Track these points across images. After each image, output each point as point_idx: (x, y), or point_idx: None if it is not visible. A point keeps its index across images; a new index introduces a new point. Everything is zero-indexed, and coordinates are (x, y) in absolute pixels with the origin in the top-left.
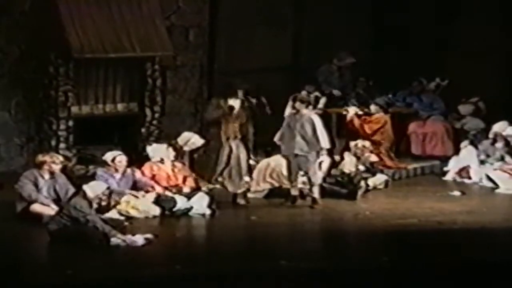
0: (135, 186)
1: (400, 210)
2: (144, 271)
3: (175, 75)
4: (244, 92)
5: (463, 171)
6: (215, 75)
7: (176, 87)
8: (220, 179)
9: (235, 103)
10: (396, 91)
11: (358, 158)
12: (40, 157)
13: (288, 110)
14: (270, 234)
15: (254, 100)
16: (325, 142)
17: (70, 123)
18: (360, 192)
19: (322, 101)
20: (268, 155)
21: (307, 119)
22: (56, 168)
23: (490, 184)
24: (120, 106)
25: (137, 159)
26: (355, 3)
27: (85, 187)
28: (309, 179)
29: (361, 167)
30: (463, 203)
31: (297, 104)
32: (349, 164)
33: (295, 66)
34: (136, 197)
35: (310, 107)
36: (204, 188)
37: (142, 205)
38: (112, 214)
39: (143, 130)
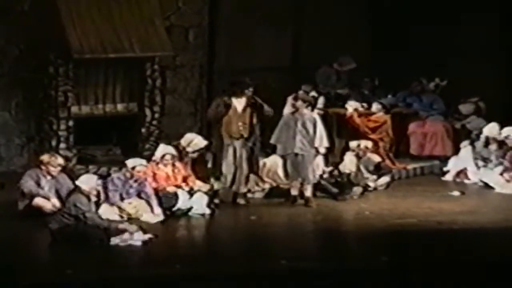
0: (140, 196)
1: (399, 210)
2: (144, 271)
3: (175, 75)
4: (252, 91)
5: (461, 174)
6: (215, 75)
7: (176, 87)
8: (222, 179)
9: (238, 102)
10: (396, 92)
11: (358, 158)
12: (41, 158)
13: (286, 110)
14: (270, 234)
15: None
16: (325, 142)
17: (70, 123)
18: (353, 194)
19: (321, 100)
20: (268, 156)
21: (309, 118)
22: (55, 171)
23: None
24: (120, 106)
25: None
26: (355, 3)
27: (78, 182)
28: (305, 178)
29: (364, 170)
30: (463, 203)
31: (299, 103)
32: (349, 164)
33: (295, 66)
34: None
35: (309, 107)
36: (205, 189)
37: (144, 208)
38: (113, 215)
39: (143, 130)
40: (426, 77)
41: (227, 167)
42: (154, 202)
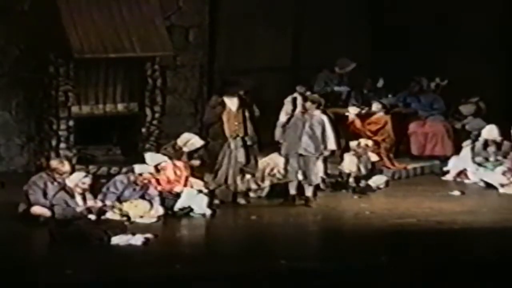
0: (143, 197)
1: (399, 210)
2: (144, 271)
3: (175, 75)
4: (245, 91)
5: (461, 174)
6: (215, 75)
7: (176, 87)
8: (218, 179)
9: (231, 101)
10: (397, 92)
11: (358, 158)
12: (50, 163)
13: (285, 110)
14: (270, 234)
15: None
16: (332, 144)
17: (71, 123)
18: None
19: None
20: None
21: (317, 120)
22: (60, 177)
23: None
24: (120, 106)
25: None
26: (355, 3)
27: (66, 181)
28: (306, 178)
29: (363, 170)
30: (463, 203)
31: (308, 104)
32: (349, 164)
33: (295, 66)
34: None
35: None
36: (204, 188)
37: (143, 206)
38: (113, 215)
39: (143, 130)
40: (426, 77)
41: (223, 167)
42: (157, 202)
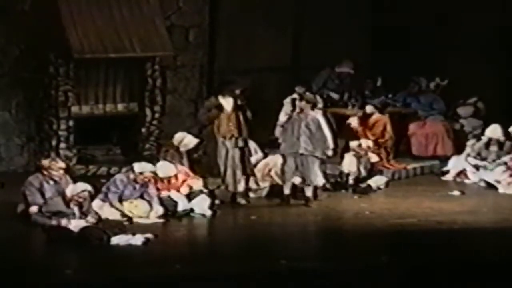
0: (142, 196)
1: (399, 210)
2: (144, 271)
3: (175, 75)
4: (240, 91)
5: (461, 174)
6: (215, 75)
7: (176, 87)
8: (217, 179)
9: (227, 102)
10: (396, 92)
11: (358, 159)
12: (41, 163)
13: (285, 110)
14: (270, 234)
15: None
16: (329, 144)
17: (71, 123)
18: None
19: (319, 100)
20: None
21: (312, 119)
22: (57, 175)
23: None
24: (120, 106)
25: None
26: (355, 3)
27: (68, 187)
28: (305, 179)
29: (363, 170)
30: (463, 203)
31: (303, 104)
32: (349, 164)
33: (295, 66)
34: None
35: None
36: (204, 189)
37: (143, 206)
38: (113, 214)
39: (143, 130)
40: (426, 77)
41: (220, 167)
42: (156, 202)
